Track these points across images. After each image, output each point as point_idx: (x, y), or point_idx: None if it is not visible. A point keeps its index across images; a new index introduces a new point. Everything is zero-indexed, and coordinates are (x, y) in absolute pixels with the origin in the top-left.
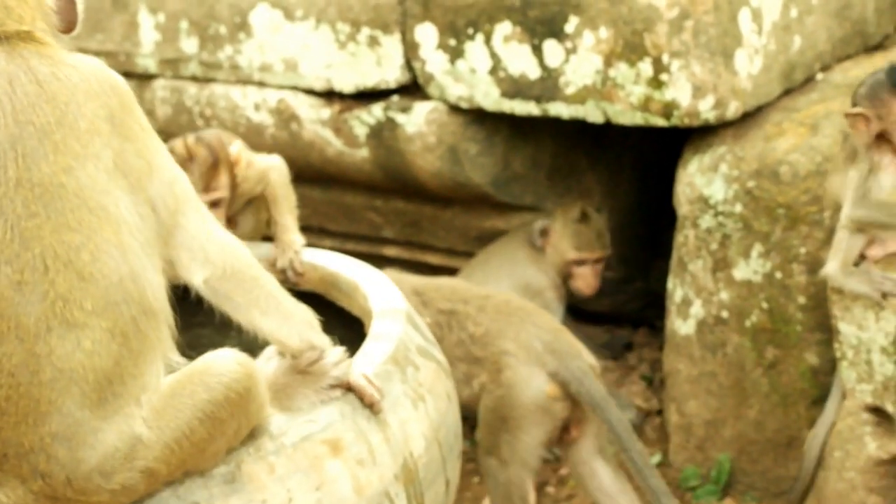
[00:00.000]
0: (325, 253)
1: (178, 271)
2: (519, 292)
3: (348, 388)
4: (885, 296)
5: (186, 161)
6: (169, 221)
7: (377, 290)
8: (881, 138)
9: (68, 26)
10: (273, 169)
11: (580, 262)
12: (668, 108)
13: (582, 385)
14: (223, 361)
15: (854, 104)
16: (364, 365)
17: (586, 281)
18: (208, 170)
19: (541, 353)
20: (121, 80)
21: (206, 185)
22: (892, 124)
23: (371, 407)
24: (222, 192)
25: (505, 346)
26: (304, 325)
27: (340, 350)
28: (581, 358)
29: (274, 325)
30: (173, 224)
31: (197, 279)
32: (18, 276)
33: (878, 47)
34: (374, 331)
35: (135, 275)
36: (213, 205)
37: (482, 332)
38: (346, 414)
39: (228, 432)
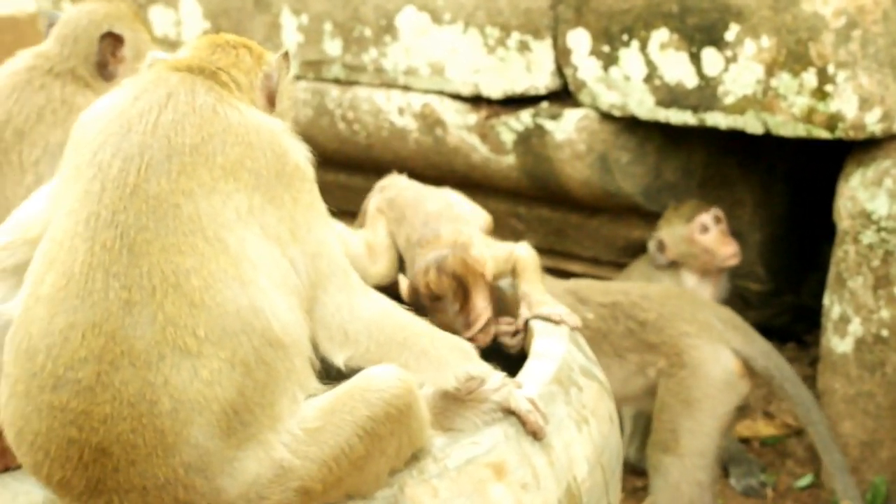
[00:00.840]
0: None
1: (319, 346)
2: None
3: (510, 413)
4: None
5: (435, 301)
6: (308, 293)
7: None
8: None
9: (264, 106)
10: (518, 248)
11: (703, 230)
12: (832, 120)
13: (769, 359)
14: (384, 377)
15: None
16: (527, 386)
17: (721, 242)
18: (462, 304)
19: (722, 330)
20: (297, 153)
21: (466, 322)
22: None
23: (534, 435)
24: (486, 314)
25: (683, 327)
26: (458, 363)
27: (501, 376)
28: (759, 335)
29: (428, 377)
30: (312, 297)
31: (337, 360)
32: (127, 293)
33: None
34: (535, 349)
35: (256, 308)
36: (484, 329)
37: (655, 317)
38: (511, 436)
39: (389, 451)
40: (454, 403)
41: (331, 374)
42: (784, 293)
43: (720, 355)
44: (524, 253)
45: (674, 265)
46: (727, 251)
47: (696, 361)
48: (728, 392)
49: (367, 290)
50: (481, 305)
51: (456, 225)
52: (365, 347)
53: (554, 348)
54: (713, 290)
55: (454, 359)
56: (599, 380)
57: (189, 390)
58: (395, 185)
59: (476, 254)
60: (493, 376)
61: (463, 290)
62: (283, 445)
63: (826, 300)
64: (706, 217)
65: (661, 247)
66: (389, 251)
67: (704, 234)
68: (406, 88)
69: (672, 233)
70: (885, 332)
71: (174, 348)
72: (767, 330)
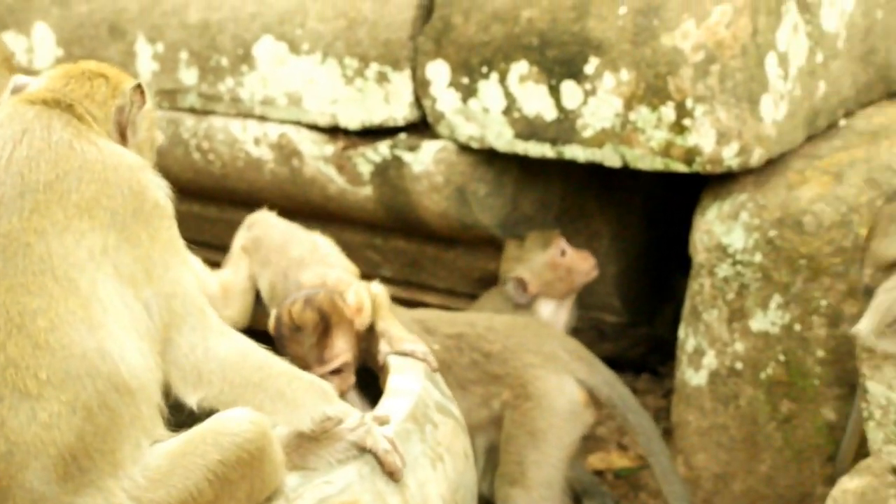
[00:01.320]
0: None
1: (172, 387)
2: None
3: (367, 451)
4: None
5: (294, 332)
6: (162, 334)
7: None
8: None
9: (118, 140)
10: (372, 287)
11: (562, 253)
12: (690, 154)
13: (613, 389)
14: (237, 420)
15: None
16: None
17: (580, 259)
18: (320, 338)
19: (567, 361)
20: (156, 189)
21: (319, 357)
22: None
23: (391, 475)
24: (344, 356)
25: (528, 358)
26: (315, 404)
27: (359, 415)
28: (603, 365)
29: (283, 419)
30: (166, 338)
31: (190, 401)
32: None
33: None
34: (391, 386)
35: (104, 351)
36: (336, 372)
37: (500, 349)
38: (365, 475)
39: (240, 495)
40: (309, 442)
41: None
42: (639, 325)
43: (565, 386)
44: (378, 290)
45: (534, 299)
46: (588, 264)
47: (541, 392)
48: (573, 422)
49: (224, 330)
50: (340, 347)
51: (320, 269)
52: (219, 389)
53: (409, 385)
54: (567, 315)
55: (311, 399)
56: (455, 416)
57: (26, 433)
58: (262, 224)
59: (353, 300)
60: (351, 416)
61: (325, 327)
62: (123, 492)
63: (681, 332)
64: (561, 240)
65: (522, 284)
66: (245, 295)
67: (565, 257)
68: (263, 118)
69: (531, 266)
70: (739, 365)
71: (13, 390)
72: (622, 361)
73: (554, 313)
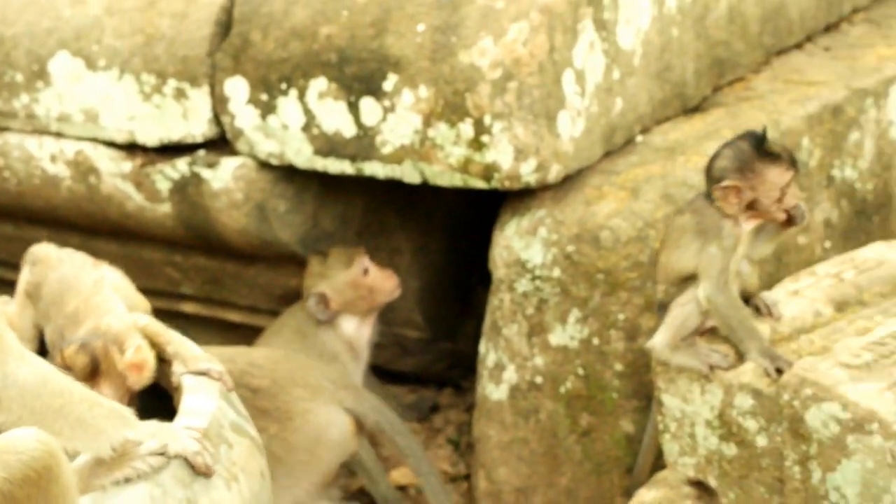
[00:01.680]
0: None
1: None
2: (315, 359)
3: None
4: (711, 368)
5: (65, 371)
6: None
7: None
8: (747, 208)
9: None
10: (139, 319)
11: (365, 272)
12: (488, 171)
13: (380, 415)
14: (23, 439)
15: (717, 178)
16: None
17: (385, 279)
18: (88, 383)
19: (333, 391)
20: None
21: None
22: (764, 193)
23: (204, 475)
24: None
25: (297, 392)
26: (116, 430)
27: (155, 443)
28: (369, 393)
29: (82, 446)
30: None
31: None
32: None
33: (697, 109)
34: (185, 406)
35: None
36: None
37: (268, 384)
38: (157, 498)
39: None
40: (109, 465)
41: None
42: (441, 340)
43: (333, 417)
44: (146, 321)
45: (336, 316)
46: (391, 284)
47: (311, 425)
48: (338, 452)
49: (24, 356)
50: (106, 395)
51: (94, 323)
52: (18, 415)
53: (204, 405)
54: (370, 331)
55: (112, 426)
56: (251, 436)
57: None
58: (42, 265)
59: (131, 356)
60: (149, 442)
61: (93, 373)
62: None
63: (482, 348)
64: (364, 258)
65: (324, 301)
66: (29, 345)
67: (367, 276)
68: (59, 135)
69: (334, 283)
70: (539, 380)
71: None
72: (425, 377)
73: (356, 330)
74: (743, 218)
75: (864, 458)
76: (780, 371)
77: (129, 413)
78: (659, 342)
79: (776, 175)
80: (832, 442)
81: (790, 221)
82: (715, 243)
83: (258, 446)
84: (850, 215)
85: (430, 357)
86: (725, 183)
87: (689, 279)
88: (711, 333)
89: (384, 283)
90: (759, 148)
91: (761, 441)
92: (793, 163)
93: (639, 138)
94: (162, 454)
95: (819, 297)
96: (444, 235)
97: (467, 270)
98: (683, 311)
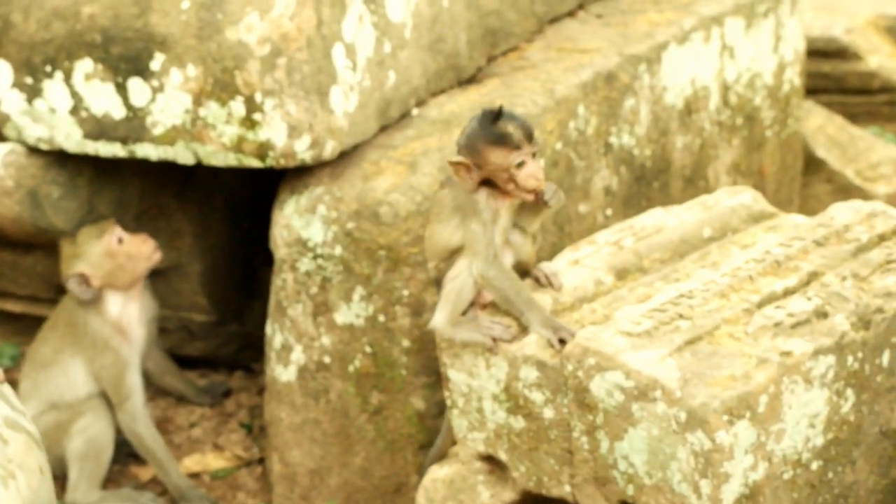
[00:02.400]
0: None
1: None
2: (88, 355)
3: None
4: (495, 341)
5: None
6: None
7: None
8: (488, 184)
9: None
10: None
11: (119, 241)
12: (262, 149)
13: None
14: None
15: (459, 151)
16: None
17: (142, 244)
18: None
19: None
20: None
21: None
22: (492, 172)
23: None
24: None
25: None
26: None
27: None
28: None
29: None
30: None
31: None
32: None
33: (472, 80)
34: None
35: None
36: None
37: None
38: None
39: None
40: None
41: None
42: (229, 322)
43: None
44: None
45: (97, 300)
46: (148, 247)
47: None
48: None
49: None
50: None
51: None
52: None
53: None
54: (139, 308)
55: None
56: (27, 430)
57: None
58: None
59: None
60: None
61: None
62: None
63: (268, 329)
64: (115, 228)
65: (84, 280)
66: None
67: (122, 244)
68: None
69: (90, 259)
70: (327, 359)
71: None
72: (215, 360)
73: (122, 308)
74: (493, 195)
75: (649, 425)
76: (563, 341)
77: None
78: (439, 321)
79: (499, 156)
80: (617, 411)
81: (540, 202)
82: (474, 218)
83: (35, 441)
84: (629, 182)
85: (218, 340)
86: (454, 158)
87: (456, 253)
88: (493, 307)
89: (141, 247)
90: (486, 128)
91: (548, 413)
92: (521, 144)
93: (414, 111)
94: None
95: (599, 266)
96: (226, 216)
97: (251, 251)
98: (456, 286)
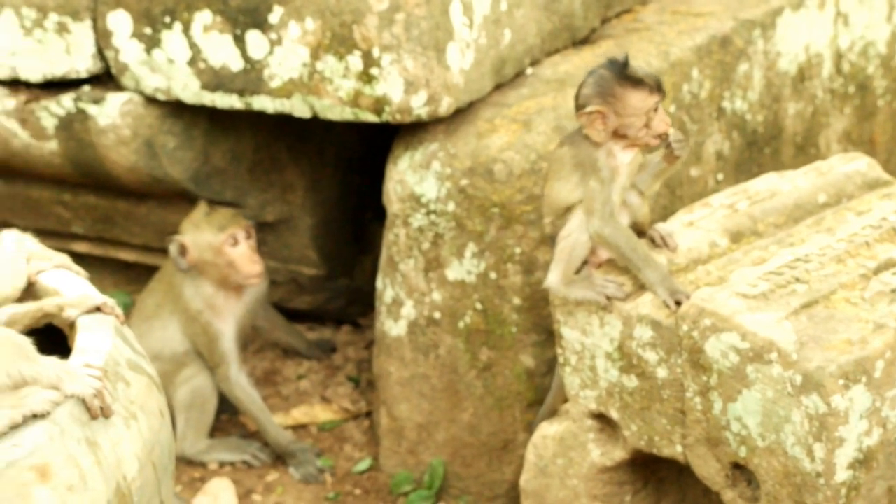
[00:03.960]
0: None
1: None
2: (183, 319)
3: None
4: (609, 299)
5: None
6: None
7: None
8: (615, 135)
9: None
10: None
11: (232, 243)
12: (378, 104)
13: None
14: None
15: (581, 105)
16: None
17: (248, 259)
18: None
19: None
20: None
21: None
22: (629, 117)
23: (102, 413)
24: None
25: None
26: (12, 362)
27: (56, 372)
28: None
29: None
30: None
31: None
32: None
33: (586, 41)
34: (80, 345)
35: None
36: None
37: None
38: (55, 437)
39: None
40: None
41: None
42: (338, 277)
43: None
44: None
45: (194, 269)
46: (251, 270)
47: None
48: None
49: None
50: None
51: None
52: None
53: (99, 343)
54: (236, 303)
55: (7, 357)
56: (148, 373)
57: None
58: None
59: None
60: (48, 373)
61: None
62: None
63: (379, 284)
64: (238, 231)
65: (183, 250)
66: None
67: (233, 248)
68: None
69: (198, 238)
70: (437, 315)
71: None
72: (322, 314)
73: (213, 296)
74: (618, 148)
75: (763, 387)
76: (678, 302)
77: (26, 344)
78: (553, 280)
79: (638, 99)
80: (732, 372)
81: (671, 154)
82: (593, 176)
83: (156, 384)
84: (741, 147)
85: (326, 294)
86: (589, 108)
87: (572, 210)
88: (608, 266)
89: (246, 263)
90: (621, 73)
91: (662, 372)
92: (657, 88)
93: (529, 70)
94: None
95: (714, 228)
96: (337, 171)
97: (361, 206)
98: (568, 244)
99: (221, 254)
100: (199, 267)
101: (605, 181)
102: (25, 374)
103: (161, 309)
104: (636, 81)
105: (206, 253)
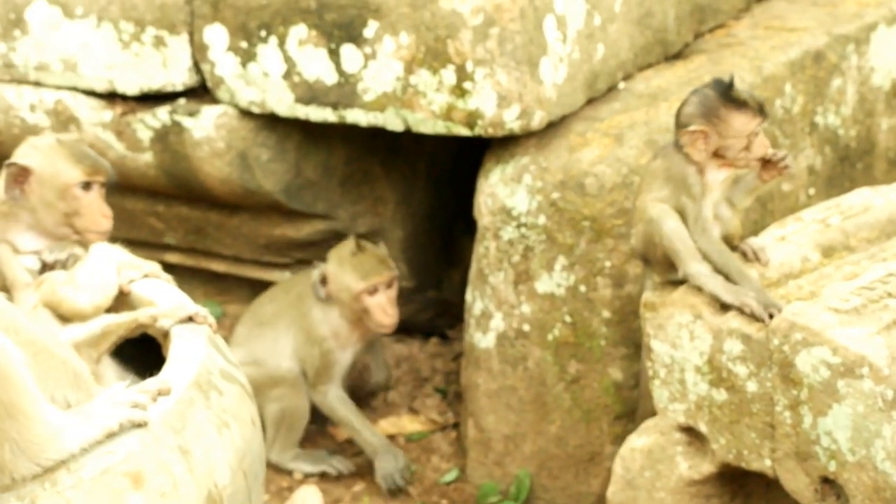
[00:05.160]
0: None
1: None
2: (301, 338)
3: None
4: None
5: None
6: None
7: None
8: (714, 155)
9: None
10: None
11: (371, 292)
12: (471, 118)
13: None
14: None
15: (684, 124)
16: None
17: (383, 310)
18: None
19: None
20: None
21: None
22: (730, 139)
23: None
24: None
25: None
26: (59, 387)
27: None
28: None
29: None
30: None
31: None
32: None
33: (678, 56)
34: (174, 353)
35: None
36: None
37: None
38: (148, 444)
39: None
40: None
41: None
42: (427, 289)
43: None
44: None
45: (328, 299)
46: (384, 321)
47: None
48: None
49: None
50: None
51: None
52: None
53: (193, 352)
54: (360, 338)
55: (58, 382)
56: (240, 382)
57: None
58: None
59: None
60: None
61: None
62: None
63: (468, 296)
64: (380, 282)
65: (324, 280)
66: None
67: (371, 297)
68: (38, 84)
69: (340, 276)
70: (526, 327)
71: None
72: (411, 326)
73: (339, 328)
74: (713, 166)
75: (854, 402)
76: (770, 316)
77: (84, 373)
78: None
79: (742, 122)
80: (823, 387)
81: (770, 172)
82: (684, 192)
83: (248, 393)
84: (833, 162)
85: (415, 306)
86: (692, 128)
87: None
88: None
89: (380, 314)
90: (726, 95)
91: (751, 386)
92: (760, 111)
93: (621, 85)
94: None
95: (806, 243)
96: (428, 184)
97: (451, 219)
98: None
99: (358, 301)
100: (335, 298)
101: (697, 196)
102: (71, 403)
103: (278, 319)
104: (741, 103)
105: (343, 293)
